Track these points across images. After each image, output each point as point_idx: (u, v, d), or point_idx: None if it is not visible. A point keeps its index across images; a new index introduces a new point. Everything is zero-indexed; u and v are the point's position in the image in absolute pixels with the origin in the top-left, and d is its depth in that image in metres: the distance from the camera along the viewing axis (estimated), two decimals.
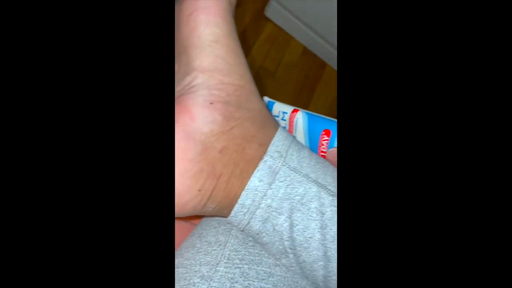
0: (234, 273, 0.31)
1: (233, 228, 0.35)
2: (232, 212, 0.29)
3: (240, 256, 0.32)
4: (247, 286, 0.30)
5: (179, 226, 0.41)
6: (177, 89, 0.30)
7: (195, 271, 0.31)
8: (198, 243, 0.35)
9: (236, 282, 0.30)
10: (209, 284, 0.30)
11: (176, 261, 0.34)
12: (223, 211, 0.30)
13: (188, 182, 0.28)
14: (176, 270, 0.33)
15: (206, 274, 0.31)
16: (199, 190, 0.28)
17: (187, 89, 0.30)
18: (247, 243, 0.33)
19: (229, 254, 0.32)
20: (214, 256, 0.32)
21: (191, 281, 0.31)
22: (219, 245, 0.33)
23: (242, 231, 0.32)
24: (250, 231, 0.30)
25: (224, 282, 0.30)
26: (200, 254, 0.33)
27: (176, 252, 0.36)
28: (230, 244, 0.33)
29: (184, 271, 0.32)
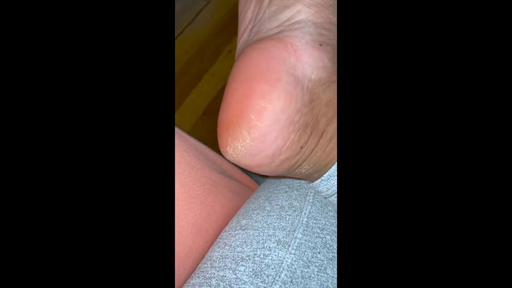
0: (316, 242, 0.27)
1: (308, 194, 0.31)
2: (325, 175, 0.26)
3: (320, 225, 0.29)
4: (331, 258, 0.27)
5: (235, 187, 0.38)
6: (273, 25, 0.25)
7: (269, 235, 0.28)
8: (267, 206, 0.31)
9: (319, 253, 0.27)
10: (288, 250, 0.27)
11: (244, 222, 0.31)
12: (313, 174, 0.26)
13: (292, 137, 0.24)
14: (245, 231, 0.30)
15: (282, 239, 0.28)
16: (301, 148, 0.24)
17: (288, 25, 0.24)
18: (327, 213, 0.30)
19: (307, 221, 0.29)
20: (290, 221, 0.29)
21: (266, 244, 0.28)
22: (294, 210, 0.30)
23: (324, 198, 0.29)
24: None
25: (305, 251, 0.27)
26: (272, 217, 0.30)
27: (240, 213, 0.32)
28: (307, 211, 0.30)
29: (256, 233, 0.29)
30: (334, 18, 0.25)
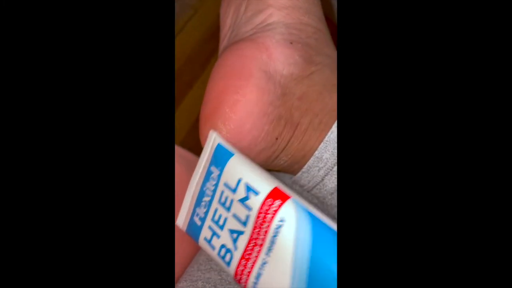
0: None
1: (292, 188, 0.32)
2: (305, 166, 0.26)
3: None
4: None
5: None
6: (248, 28, 0.27)
7: None
8: None
9: None
10: None
11: None
12: (293, 166, 0.27)
13: (266, 128, 0.25)
14: None
15: None
16: (276, 139, 0.25)
17: (261, 27, 0.26)
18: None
19: None
20: None
21: None
22: None
23: (307, 192, 0.29)
24: (321, 190, 0.27)
25: None
26: None
27: None
28: None
29: None
30: (305, 19, 0.27)
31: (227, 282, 0.26)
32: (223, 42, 0.30)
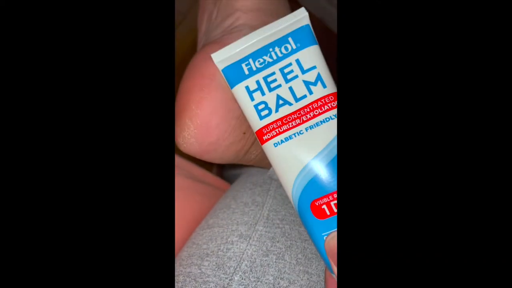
0: (275, 233, 0.29)
1: (270, 189, 0.33)
2: None
3: (280, 217, 0.30)
4: (289, 245, 0.28)
5: (206, 190, 0.39)
6: (217, 32, 0.28)
7: (233, 230, 0.30)
8: (233, 204, 0.33)
9: (278, 242, 0.28)
10: (249, 242, 0.28)
11: (211, 221, 0.32)
12: (264, 160, 0.28)
13: (233, 123, 0.26)
14: (211, 229, 0.31)
15: (244, 233, 0.29)
16: (244, 133, 0.26)
17: (229, 30, 0.28)
18: (287, 204, 0.31)
19: (268, 214, 0.31)
20: (252, 216, 0.31)
21: (229, 239, 0.29)
22: (257, 205, 0.32)
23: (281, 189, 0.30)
24: None
25: (265, 241, 0.28)
26: (236, 214, 0.32)
27: (209, 214, 0.34)
28: (268, 205, 0.31)
29: (221, 230, 0.30)
30: (270, 20, 0.28)
31: (207, 275, 0.27)
32: (199, 47, 0.31)
